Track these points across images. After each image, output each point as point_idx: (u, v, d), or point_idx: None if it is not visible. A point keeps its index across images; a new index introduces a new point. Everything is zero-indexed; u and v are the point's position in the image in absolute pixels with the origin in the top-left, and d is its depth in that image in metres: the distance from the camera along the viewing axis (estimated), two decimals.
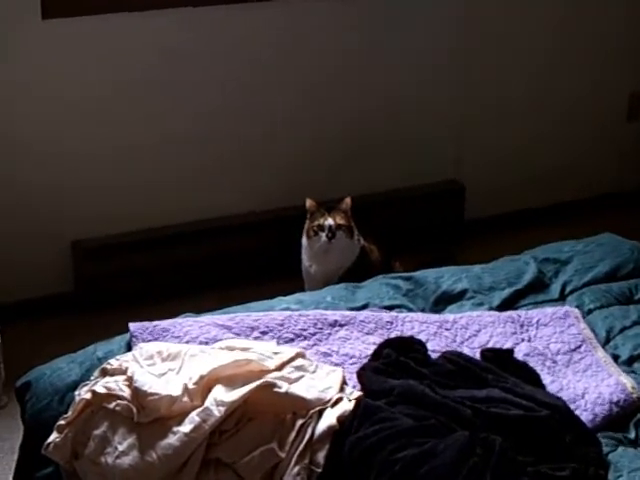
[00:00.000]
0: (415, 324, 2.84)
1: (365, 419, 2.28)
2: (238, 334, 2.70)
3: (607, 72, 4.37)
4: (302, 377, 2.39)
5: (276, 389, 2.27)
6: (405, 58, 4.03)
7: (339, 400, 2.35)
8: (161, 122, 3.77)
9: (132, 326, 2.68)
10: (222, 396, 2.23)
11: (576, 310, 2.97)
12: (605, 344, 2.87)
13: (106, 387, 2.34)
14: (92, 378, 2.48)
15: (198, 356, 2.40)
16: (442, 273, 3.14)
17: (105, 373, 2.45)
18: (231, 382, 2.29)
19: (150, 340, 2.64)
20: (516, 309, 3.03)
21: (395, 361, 2.59)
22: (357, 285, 3.09)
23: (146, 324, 2.69)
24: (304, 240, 3.51)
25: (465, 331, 2.86)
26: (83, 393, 2.41)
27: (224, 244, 3.93)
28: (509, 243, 4.21)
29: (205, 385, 2.28)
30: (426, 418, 2.32)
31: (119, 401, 2.29)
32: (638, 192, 4.57)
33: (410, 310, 2.98)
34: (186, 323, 2.71)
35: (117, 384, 2.33)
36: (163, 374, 2.35)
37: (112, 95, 3.67)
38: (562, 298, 3.10)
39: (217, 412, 2.20)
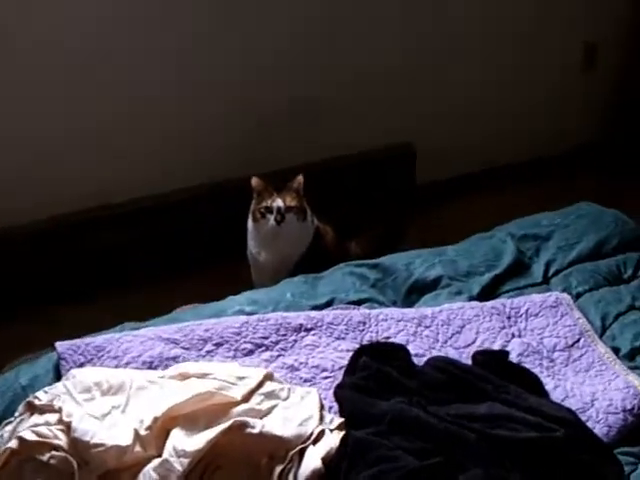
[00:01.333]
0: (391, 323, 2.46)
1: (358, 459, 1.89)
2: (187, 348, 2.28)
3: (562, 21, 3.98)
4: (274, 407, 1.99)
5: (248, 429, 1.86)
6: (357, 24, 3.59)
7: (321, 434, 1.95)
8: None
9: (59, 346, 2.24)
10: (183, 443, 1.82)
11: (567, 296, 2.62)
12: (601, 334, 2.54)
13: (37, 433, 1.90)
14: (17, 414, 2.04)
15: (147, 389, 1.97)
16: (412, 258, 2.75)
17: (32, 409, 2.01)
18: (192, 423, 1.88)
19: (82, 362, 2.20)
20: (498, 297, 2.67)
21: (375, 373, 2.21)
22: (317, 276, 2.69)
23: (76, 343, 2.25)
24: (250, 223, 3.07)
25: (447, 328, 2.49)
26: (6, 437, 1.97)
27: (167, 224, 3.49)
28: (464, 207, 3.89)
29: (160, 429, 1.86)
30: (428, 452, 1.95)
31: (54, 452, 1.86)
32: (596, 145, 4.23)
33: (381, 304, 2.60)
34: (125, 339, 2.27)
35: (50, 430, 1.89)
36: (106, 414, 1.92)
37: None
38: (546, 281, 2.76)
39: (179, 465, 1.78)
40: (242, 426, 1.86)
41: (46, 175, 3.31)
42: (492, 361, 2.32)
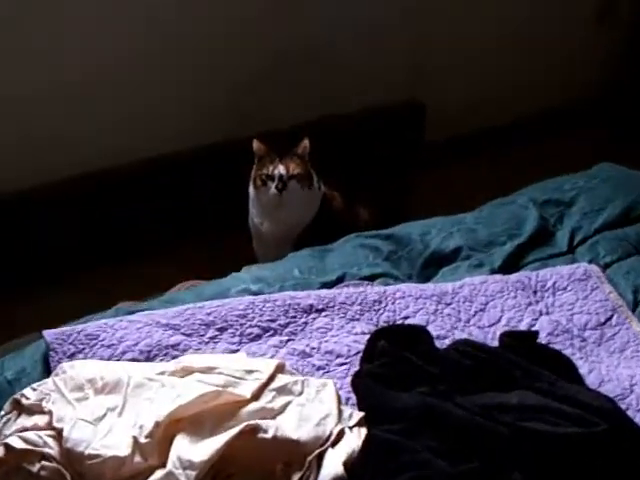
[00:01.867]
0: (409, 301, 2.26)
1: (383, 465, 1.70)
2: (188, 335, 2.08)
3: None
4: (288, 404, 1.79)
5: (261, 434, 1.66)
6: None
7: (341, 434, 1.76)
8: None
9: (48, 335, 2.03)
10: (189, 453, 1.62)
11: (596, 268, 2.42)
12: (633, 310, 2.34)
13: (25, 440, 1.70)
14: (2, 413, 1.84)
15: (146, 387, 1.77)
16: (428, 228, 2.54)
17: (19, 408, 1.82)
18: (197, 427, 1.68)
19: (73, 352, 2.00)
20: (521, 268, 2.47)
21: (395, 360, 2.01)
22: (326, 249, 2.48)
23: (66, 331, 2.04)
24: (251, 190, 2.84)
25: (470, 305, 2.29)
26: None
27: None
28: (474, 166, 3.67)
29: (162, 436, 1.66)
30: (459, 453, 1.76)
31: (45, 462, 1.66)
32: (611, 99, 4.01)
33: (396, 279, 2.40)
34: (119, 325, 2.06)
35: (40, 436, 1.69)
36: (101, 418, 1.71)
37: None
38: (571, 250, 2.56)
39: (185, 478, 1.58)
40: (254, 431, 1.66)
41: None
42: (521, 343, 2.12)
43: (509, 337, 2.14)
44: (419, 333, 2.12)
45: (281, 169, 2.74)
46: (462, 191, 3.32)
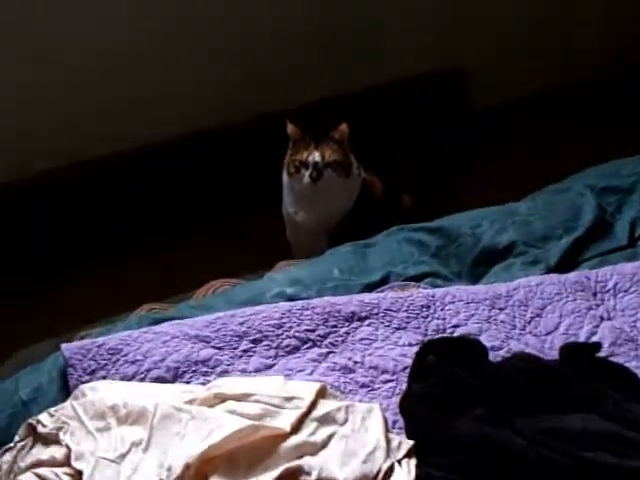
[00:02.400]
0: (460, 306, 2.07)
1: None
2: (220, 348, 1.90)
3: None
4: (332, 437, 1.62)
5: (303, 477, 1.49)
6: None
7: (390, 472, 1.58)
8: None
9: (66, 349, 1.86)
10: None
11: None
12: None
13: (41, 478, 1.54)
14: (17, 439, 1.68)
15: (173, 418, 1.59)
16: (479, 220, 2.34)
17: (34, 435, 1.66)
18: (232, 467, 1.51)
19: (94, 369, 1.83)
20: (579, 266, 2.27)
21: (446, 379, 1.83)
22: (368, 244, 2.29)
23: (86, 344, 1.87)
24: (284, 177, 2.65)
25: (525, 310, 2.10)
26: (5, 468, 1.63)
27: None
28: (520, 135, 3.44)
29: (193, 479, 1.48)
30: None
31: None
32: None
33: (444, 278, 2.22)
34: (144, 337, 1.89)
35: (57, 475, 1.53)
36: (124, 455, 1.55)
37: None
38: (632, 243, 2.36)
39: None
40: (296, 473, 1.49)
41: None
42: (583, 358, 1.94)
43: (569, 350, 1.95)
44: (471, 346, 1.93)
45: (316, 156, 2.54)
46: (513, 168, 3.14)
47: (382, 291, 2.12)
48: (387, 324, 2.01)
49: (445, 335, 1.99)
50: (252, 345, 1.91)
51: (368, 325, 2.00)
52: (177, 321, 1.95)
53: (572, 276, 2.19)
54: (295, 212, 2.65)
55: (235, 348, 1.90)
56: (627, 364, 1.96)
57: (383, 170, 2.78)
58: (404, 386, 1.85)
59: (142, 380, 1.81)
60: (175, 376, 1.83)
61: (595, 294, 2.15)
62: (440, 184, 3.02)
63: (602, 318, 2.09)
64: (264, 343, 1.92)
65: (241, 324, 1.94)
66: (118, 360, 1.84)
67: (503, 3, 3.37)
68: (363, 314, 2.01)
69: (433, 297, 2.08)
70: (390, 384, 1.88)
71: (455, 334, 2.01)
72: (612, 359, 1.98)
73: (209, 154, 3.01)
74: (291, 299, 2.06)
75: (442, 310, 2.06)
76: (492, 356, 1.94)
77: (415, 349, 1.92)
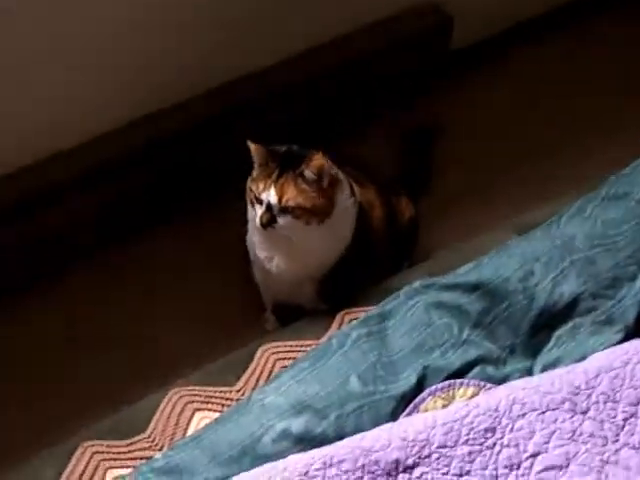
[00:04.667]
0: (533, 420, 1.50)
1: None
2: None
3: None
4: None
5: None
6: None
7: None
8: None
9: None
10: None
11: None
12: None
13: None
14: None
15: None
16: (529, 263, 1.72)
17: None
18: None
19: None
20: None
21: None
22: (382, 315, 1.67)
23: None
24: (249, 208, 1.93)
25: (614, 408, 1.54)
26: None
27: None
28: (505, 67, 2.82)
29: None
30: None
31: None
32: None
33: (497, 363, 1.63)
34: None
35: None
36: None
37: None
38: None
39: None
40: None
41: None
42: None
43: None
44: None
45: (271, 194, 1.79)
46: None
47: (425, 408, 1.52)
48: (445, 470, 1.42)
49: None
50: None
51: (419, 477, 1.41)
52: None
53: None
54: (269, 258, 1.92)
55: None
56: None
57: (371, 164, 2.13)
58: None
59: None
60: None
61: None
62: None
63: None
64: None
65: None
66: None
67: None
68: (410, 461, 1.42)
69: (497, 411, 1.49)
70: None
71: (534, 469, 1.45)
72: None
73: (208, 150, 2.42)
74: (300, 440, 1.45)
75: (511, 431, 1.48)
76: None
77: None
